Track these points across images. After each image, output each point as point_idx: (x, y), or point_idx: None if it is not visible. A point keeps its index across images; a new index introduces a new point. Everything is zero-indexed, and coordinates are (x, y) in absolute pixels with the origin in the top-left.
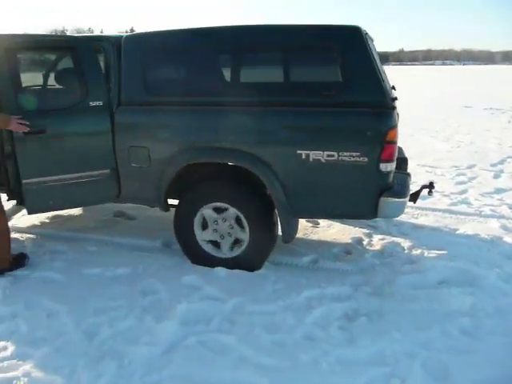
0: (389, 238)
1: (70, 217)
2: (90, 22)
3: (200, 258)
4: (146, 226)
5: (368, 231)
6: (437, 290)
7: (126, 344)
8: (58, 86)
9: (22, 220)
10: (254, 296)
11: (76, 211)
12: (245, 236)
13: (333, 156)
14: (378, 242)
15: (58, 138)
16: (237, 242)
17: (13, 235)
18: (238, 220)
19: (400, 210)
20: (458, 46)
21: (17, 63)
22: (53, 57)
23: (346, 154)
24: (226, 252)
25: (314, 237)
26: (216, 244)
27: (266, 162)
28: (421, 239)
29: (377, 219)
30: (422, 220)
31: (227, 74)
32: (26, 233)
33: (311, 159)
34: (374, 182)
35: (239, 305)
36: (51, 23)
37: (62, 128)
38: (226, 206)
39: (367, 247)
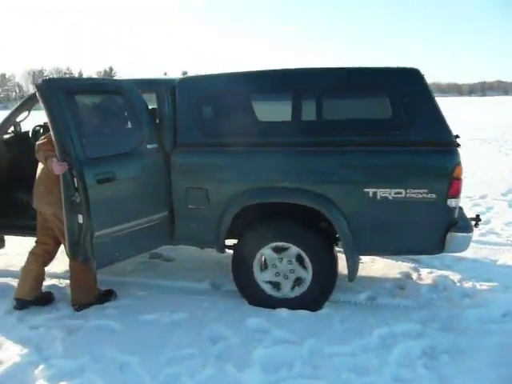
0: (436, 272)
1: None
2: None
3: (259, 299)
4: (188, 268)
5: (413, 265)
6: (507, 324)
7: None
8: (117, 130)
9: (56, 265)
10: (326, 337)
11: None
12: (307, 275)
13: (400, 193)
14: (427, 275)
15: (125, 184)
16: (298, 281)
17: (50, 281)
18: (299, 259)
19: (466, 244)
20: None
21: (77, 107)
22: (107, 100)
23: (413, 191)
24: (287, 292)
25: (362, 273)
26: (276, 284)
27: (331, 201)
28: (467, 271)
29: None
30: None
31: (288, 114)
32: (64, 278)
33: (378, 197)
34: (441, 218)
35: (315, 347)
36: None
37: (128, 173)
38: (288, 245)
39: (418, 281)
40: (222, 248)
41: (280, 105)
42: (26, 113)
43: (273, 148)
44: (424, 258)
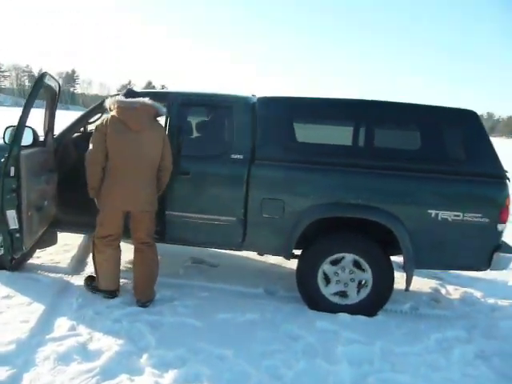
0: (460, 288)
1: None
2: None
3: (320, 305)
4: (235, 273)
5: (438, 282)
6: None
7: None
8: (208, 138)
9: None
10: (391, 339)
11: None
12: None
13: (459, 216)
14: (454, 291)
15: (197, 180)
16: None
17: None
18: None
19: (509, 263)
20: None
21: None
22: (210, 112)
23: (470, 214)
24: (354, 298)
25: (399, 286)
26: (342, 294)
27: (398, 218)
28: (487, 289)
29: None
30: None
31: (362, 139)
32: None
33: (440, 218)
34: (491, 239)
35: (386, 347)
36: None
37: (201, 172)
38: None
39: (448, 296)
40: (289, 256)
41: (352, 130)
42: (99, 114)
43: (348, 168)
44: (445, 276)
